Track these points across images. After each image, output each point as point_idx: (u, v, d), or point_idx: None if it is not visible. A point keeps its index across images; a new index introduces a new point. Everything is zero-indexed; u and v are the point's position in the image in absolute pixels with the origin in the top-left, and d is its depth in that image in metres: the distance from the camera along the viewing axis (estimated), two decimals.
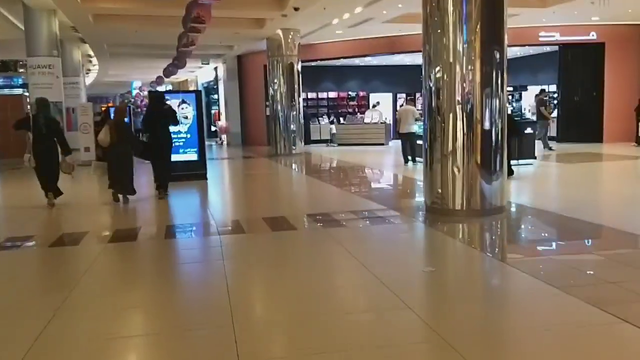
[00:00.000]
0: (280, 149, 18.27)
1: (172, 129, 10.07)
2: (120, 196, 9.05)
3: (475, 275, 5.03)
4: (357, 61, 22.71)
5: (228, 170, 15.60)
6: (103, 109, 21.76)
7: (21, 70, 23.51)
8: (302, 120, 18.90)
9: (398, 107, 23.00)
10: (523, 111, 20.51)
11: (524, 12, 14.60)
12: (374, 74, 24.20)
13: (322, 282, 4.71)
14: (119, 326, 3.85)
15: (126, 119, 11.00)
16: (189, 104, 11.77)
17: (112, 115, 11.01)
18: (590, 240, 6.09)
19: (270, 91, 18.65)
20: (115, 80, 34.35)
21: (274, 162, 16.58)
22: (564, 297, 4.00)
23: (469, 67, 6.87)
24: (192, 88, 32.91)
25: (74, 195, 10.12)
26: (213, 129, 29.50)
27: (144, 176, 10.06)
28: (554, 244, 6.17)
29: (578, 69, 18.55)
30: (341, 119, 22.54)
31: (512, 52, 15.47)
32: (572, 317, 3.71)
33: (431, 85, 7.18)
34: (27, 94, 18.00)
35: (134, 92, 38.71)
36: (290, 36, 17.84)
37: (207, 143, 16.13)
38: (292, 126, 18.26)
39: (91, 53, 22.05)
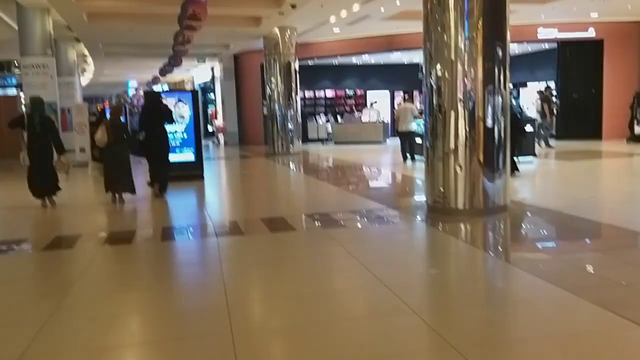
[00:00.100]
0: (278, 148, 18.14)
1: (168, 128, 9.97)
2: (117, 196, 8.94)
3: (481, 278, 4.89)
4: (354, 59, 22.59)
5: (225, 170, 15.45)
6: (99, 108, 21.64)
7: (17, 70, 23.30)
8: (299, 119, 18.77)
9: (396, 105, 22.90)
10: (523, 108, 20.38)
11: (523, 9, 14.47)
12: (372, 72, 24.07)
13: (323, 285, 4.57)
14: (114, 334, 3.70)
15: (122, 119, 10.86)
16: (185, 104, 11.62)
17: (107, 115, 10.91)
18: (596, 240, 5.97)
19: (268, 90, 18.50)
20: (111, 80, 34.16)
21: (271, 161, 16.44)
22: (575, 300, 3.86)
23: (471, 64, 6.72)
24: (188, 87, 32.71)
25: (70, 196, 9.94)
26: (210, 128, 29.35)
27: (140, 176, 9.89)
28: (559, 243, 6.01)
29: (576, 66, 18.45)
30: (339, 117, 22.40)
31: (510, 49, 15.31)
32: (585, 322, 3.58)
33: (432, 83, 7.04)
34: (21, 94, 17.81)
35: (130, 92, 38.49)
36: (287, 34, 17.70)
37: (203, 143, 15.99)
38: (289, 125, 18.11)
39: (86, 52, 21.86)
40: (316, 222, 6.95)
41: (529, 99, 19.68)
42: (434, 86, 7.01)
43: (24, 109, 16.12)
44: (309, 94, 23.90)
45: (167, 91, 24.77)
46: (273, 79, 18.20)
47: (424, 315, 3.72)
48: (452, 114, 6.84)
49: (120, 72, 29.48)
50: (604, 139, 17.69)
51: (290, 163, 15.77)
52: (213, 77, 27.07)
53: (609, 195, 8.77)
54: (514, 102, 10.74)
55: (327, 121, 22.30)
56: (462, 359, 3.03)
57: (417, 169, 12.50)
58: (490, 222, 6.72)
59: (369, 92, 24.15)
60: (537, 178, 10.54)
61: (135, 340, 3.68)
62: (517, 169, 10.31)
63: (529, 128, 12.35)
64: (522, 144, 10.90)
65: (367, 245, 5.89)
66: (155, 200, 9.34)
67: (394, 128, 15.58)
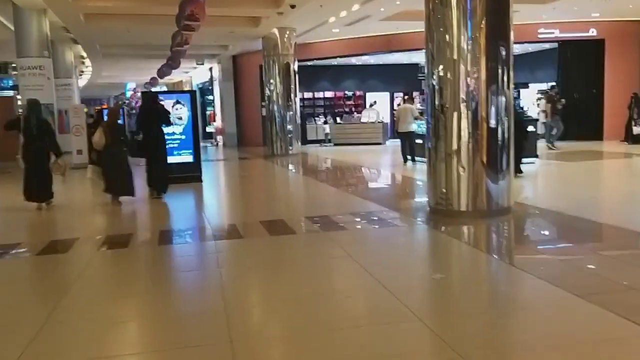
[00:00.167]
0: (277, 149, 18.00)
1: (166, 129, 9.87)
2: (116, 198, 8.85)
3: (487, 282, 4.75)
4: (353, 60, 22.46)
5: (224, 172, 15.32)
6: (96, 110, 21.48)
7: (14, 72, 23.15)
8: (298, 121, 18.64)
9: (395, 106, 22.78)
10: (523, 109, 20.26)
11: (524, 9, 14.34)
12: (371, 73, 23.93)
13: (325, 291, 4.43)
14: (109, 343, 3.56)
15: (120, 121, 10.77)
16: (183, 105, 11.48)
17: (105, 117, 10.80)
18: (602, 242, 5.84)
19: (267, 91, 18.38)
20: (109, 82, 34.00)
21: (270, 163, 16.32)
22: (584, 305, 3.74)
23: (474, 64, 6.62)
24: (187, 89, 32.57)
25: (66, 198, 9.84)
26: (208, 130, 29.21)
27: (137, 179, 9.75)
28: (565, 246, 5.82)
29: (577, 66, 18.34)
30: (338, 118, 22.28)
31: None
32: (596, 328, 3.45)
33: (434, 83, 6.93)
34: (18, 96, 17.67)
35: (128, 94, 38.34)
36: (286, 35, 17.58)
37: (202, 144, 15.86)
38: (288, 126, 17.98)
39: (84, 54, 21.73)
40: (316, 225, 6.80)
41: (530, 99, 19.59)
42: (436, 86, 6.90)
43: (20, 110, 16.01)
44: (308, 95, 23.75)
45: (165, 92, 24.59)
46: (272, 80, 18.08)
47: (427, 320, 3.60)
48: (455, 114, 6.73)
49: (118, 73, 29.34)
50: (605, 139, 17.58)
51: (290, 164, 15.63)
52: (211, 78, 26.94)
53: (612, 196, 8.65)
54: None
55: (325, 122, 22.16)
56: None
57: (418, 170, 12.38)
58: (493, 224, 6.59)
59: (368, 93, 24.01)
60: (540, 179, 10.40)
61: (131, 349, 3.55)
62: (521, 171, 10.20)
63: (530, 128, 12.24)
64: (524, 145, 10.76)
65: (368, 248, 5.77)
66: (153, 203, 9.21)
67: (394, 129, 15.43)
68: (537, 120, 14.72)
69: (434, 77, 6.93)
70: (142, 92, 12.42)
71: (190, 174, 11.24)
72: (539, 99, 18.01)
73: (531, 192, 9.16)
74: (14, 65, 20.79)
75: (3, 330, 3.81)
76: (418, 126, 13.77)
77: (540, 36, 17.88)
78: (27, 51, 14.87)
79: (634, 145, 15.84)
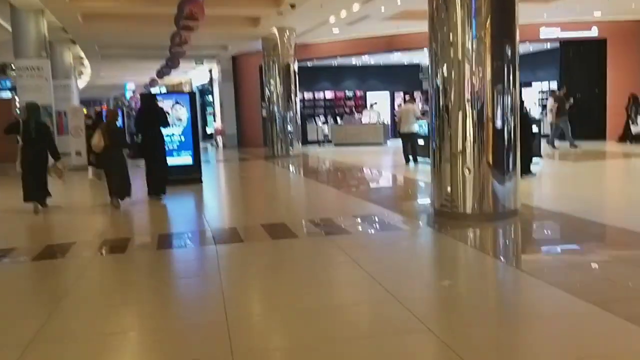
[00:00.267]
0: (277, 150, 17.87)
1: (165, 131, 9.76)
2: (113, 200, 8.75)
3: (498, 289, 4.58)
4: (353, 60, 22.34)
5: (224, 174, 15.18)
6: (96, 110, 21.33)
7: (13, 73, 23.00)
8: (299, 121, 18.50)
9: (396, 107, 22.65)
10: (527, 109, 20.16)
11: (525, 8, 14.11)
12: (371, 73, 23.81)
13: (330, 299, 4.28)
14: (103, 358, 3.42)
15: (119, 122, 10.69)
16: (182, 106, 11.33)
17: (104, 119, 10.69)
18: (615, 247, 5.63)
19: (267, 92, 18.24)
20: (109, 83, 33.85)
21: (271, 164, 16.17)
22: (604, 315, 3.58)
23: (479, 64, 6.47)
24: (186, 90, 32.43)
25: (64, 200, 9.72)
26: (208, 131, 29.10)
27: (136, 180, 9.64)
28: (577, 251, 5.58)
29: (579, 66, 18.20)
30: (338, 119, 22.14)
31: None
32: (619, 341, 3.28)
33: (439, 83, 6.78)
34: (17, 97, 17.53)
35: (128, 95, 38.21)
36: (286, 35, 17.43)
37: (202, 145, 15.73)
38: (289, 127, 17.84)
39: (82, 55, 21.58)
40: (319, 228, 6.65)
41: (532, 99, 19.47)
42: (441, 86, 6.75)
43: (18, 112, 15.86)
44: (308, 95, 23.63)
45: (164, 93, 24.47)
46: (272, 81, 17.94)
47: (437, 330, 3.44)
48: (460, 114, 6.59)
49: (117, 74, 29.20)
50: (608, 139, 17.45)
51: (290, 166, 15.49)
52: (211, 79, 26.81)
53: (622, 198, 8.48)
54: None
55: (324, 123, 22.02)
56: None
57: (420, 171, 12.25)
58: (501, 228, 6.44)
59: (368, 93, 23.89)
60: (546, 180, 10.21)
61: None
62: (531, 171, 10.11)
63: (534, 129, 12.09)
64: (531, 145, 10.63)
65: (373, 253, 5.60)
66: (152, 205, 9.08)
67: (396, 129, 15.29)
68: (540, 120, 14.59)
69: (438, 77, 6.79)
70: (141, 94, 12.27)
71: (190, 176, 11.10)
72: (544, 98, 17.91)
73: (537, 193, 8.99)
74: (12, 65, 20.66)
75: (5, 337, 3.67)
76: (420, 127, 13.65)
77: (542, 36, 17.72)
78: (24, 52, 14.73)
79: (636, 144, 15.73)
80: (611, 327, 3.45)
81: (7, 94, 22.97)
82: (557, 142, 15.55)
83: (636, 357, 3.08)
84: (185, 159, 11.37)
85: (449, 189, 6.78)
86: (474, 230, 6.36)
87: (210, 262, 5.43)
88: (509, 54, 6.57)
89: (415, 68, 22.83)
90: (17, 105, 16.54)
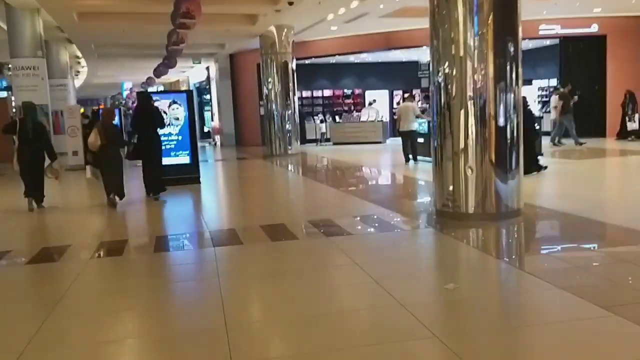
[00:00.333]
0: (276, 149, 17.74)
1: (162, 130, 9.66)
2: (110, 199, 8.72)
3: (505, 293, 4.44)
4: (352, 58, 22.17)
5: (222, 173, 15.05)
6: (94, 110, 21.20)
7: (9, 73, 22.83)
8: (297, 120, 18.38)
9: (395, 104, 22.53)
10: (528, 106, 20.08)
11: (525, 4, 13.95)
12: (370, 71, 23.66)
13: (332, 304, 4.16)
14: None
15: (116, 122, 10.59)
16: (180, 105, 11.19)
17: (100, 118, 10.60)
18: (623, 247, 5.44)
19: (265, 90, 18.11)
20: (105, 82, 33.69)
21: (269, 163, 16.05)
22: (617, 321, 3.46)
23: (481, 61, 6.36)
24: (183, 88, 32.27)
25: (61, 201, 9.63)
26: (205, 129, 28.96)
27: (134, 180, 9.52)
28: (586, 252, 5.43)
29: (579, 63, 18.09)
30: (337, 117, 22.01)
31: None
32: (634, 348, 3.17)
33: (440, 80, 6.66)
34: (13, 97, 17.37)
35: (125, 94, 38.04)
36: (284, 33, 17.31)
37: (199, 144, 15.60)
38: (287, 126, 17.72)
39: (79, 54, 21.42)
40: (319, 229, 6.53)
41: (530, 97, 19.32)
42: (442, 84, 6.64)
43: (14, 111, 15.74)
44: (306, 93, 23.48)
45: (160, 92, 24.32)
46: (270, 79, 17.81)
47: (451, 343, 3.31)
48: (462, 112, 6.47)
49: (114, 73, 29.04)
50: (608, 136, 17.36)
51: (289, 165, 15.37)
52: (209, 77, 26.66)
53: (625, 197, 8.35)
54: None
55: (322, 121, 21.89)
56: None
57: (420, 169, 12.14)
58: (504, 228, 6.33)
59: (367, 92, 23.75)
60: (548, 178, 10.06)
61: None
62: (539, 168, 10.10)
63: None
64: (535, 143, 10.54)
65: (375, 255, 5.48)
66: (149, 205, 8.97)
67: (395, 128, 15.17)
68: (541, 117, 14.49)
69: (440, 74, 6.67)
70: (137, 92, 12.15)
71: (188, 176, 10.97)
72: (544, 95, 17.82)
73: (540, 192, 8.87)
74: (8, 65, 20.52)
75: None
76: (419, 125, 13.53)
77: (541, 32, 17.62)
78: (20, 51, 14.60)
79: (633, 141, 15.67)
80: (624, 332, 3.33)
81: (3, 94, 22.77)
82: (562, 140, 15.45)
83: None
84: (183, 158, 11.25)
85: (450, 188, 6.67)
86: (477, 230, 6.25)
87: (209, 266, 5.31)
88: (512, 50, 6.46)
89: (414, 65, 22.65)
90: (13, 104, 16.41)
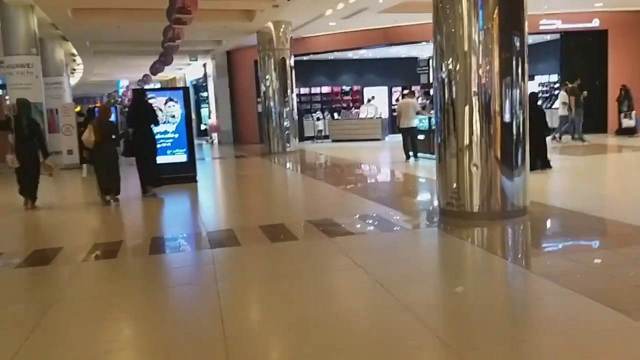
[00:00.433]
0: (274, 147, 17.53)
1: (157, 128, 9.50)
2: (109, 198, 8.63)
3: (516, 297, 4.22)
4: (350, 54, 21.96)
5: (220, 171, 14.84)
6: (89, 108, 20.96)
7: (2, 70, 22.57)
8: (295, 117, 18.17)
9: (394, 101, 22.34)
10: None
11: None
12: (368, 67, 23.44)
13: (335, 308, 3.98)
14: None
15: (112, 119, 10.46)
16: (176, 102, 10.98)
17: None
18: (636, 247, 5.30)
19: (262, 87, 17.89)
20: (101, 80, 33.45)
21: (267, 161, 15.85)
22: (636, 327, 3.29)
23: (486, 56, 6.19)
24: (180, 85, 32.04)
25: (55, 200, 9.45)
26: (202, 127, 28.73)
27: (129, 178, 9.32)
28: (597, 252, 5.26)
29: (580, 58, 17.90)
30: (335, 114, 21.81)
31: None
32: None
33: (444, 76, 6.49)
34: (7, 96, 17.14)
35: (121, 92, 37.80)
36: (281, 29, 17.08)
37: (196, 142, 15.39)
38: (285, 123, 17.51)
39: (74, 51, 21.17)
40: (320, 230, 6.33)
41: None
42: (446, 80, 6.46)
43: (9, 111, 15.50)
44: (304, 90, 23.25)
45: (156, 89, 24.12)
46: (268, 76, 17.58)
47: (464, 352, 3.13)
48: (467, 108, 6.29)
49: (110, 71, 28.80)
50: (609, 132, 17.19)
51: (288, 163, 15.17)
52: (205, 74, 26.43)
53: (634, 193, 8.13)
54: None
55: (318, 119, 21.68)
56: None
57: (421, 167, 11.98)
58: (510, 227, 6.16)
59: (366, 88, 23.53)
60: (555, 175, 9.83)
61: None
62: (550, 166, 9.97)
63: None
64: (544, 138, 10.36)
65: (378, 256, 5.29)
66: (145, 205, 8.81)
67: (395, 125, 14.97)
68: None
69: (443, 70, 6.50)
70: (133, 89, 11.95)
71: (185, 174, 10.76)
72: (545, 91, 17.67)
73: (546, 189, 8.67)
74: (1, 62, 20.29)
75: None
76: (420, 121, 13.35)
77: (542, 27, 17.43)
78: (14, 49, 14.36)
79: (633, 137, 15.54)
80: None
81: None
82: (562, 137, 15.29)
83: None
84: (180, 156, 11.04)
85: (454, 186, 6.50)
86: (483, 230, 6.08)
87: (206, 269, 5.12)
88: (518, 45, 6.30)
89: (413, 61, 22.45)
90: (7, 102, 16.17)
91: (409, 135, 13.25)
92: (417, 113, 13.40)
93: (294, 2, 13.31)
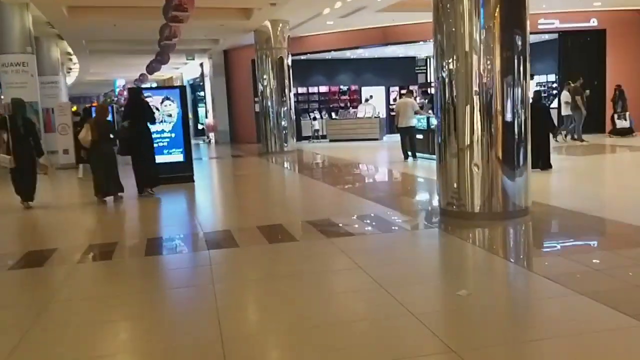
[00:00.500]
0: (271, 146, 17.46)
1: (154, 127, 9.41)
2: (106, 198, 8.63)
3: (521, 300, 4.13)
4: (348, 54, 21.89)
5: (217, 171, 14.74)
6: (85, 107, 20.82)
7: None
8: (293, 117, 18.08)
9: (391, 101, 22.27)
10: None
11: None
12: (366, 67, 23.35)
13: (335, 312, 3.89)
14: None
15: (110, 118, 10.39)
16: (172, 101, 10.88)
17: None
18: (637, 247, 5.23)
19: (260, 86, 17.80)
20: (98, 79, 33.28)
21: (265, 160, 15.76)
22: None
23: (488, 55, 6.11)
24: (177, 85, 31.91)
25: (51, 200, 9.35)
26: (199, 126, 28.62)
27: (125, 179, 9.22)
28: (600, 253, 5.15)
29: (578, 57, 17.85)
30: (333, 113, 21.72)
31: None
32: None
33: (444, 76, 6.41)
34: (2, 95, 17.02)
35: (117, 91, 37.66)
36: (279, 28, 17.00)
37: (193, 142, 15.29)
38: (283, 122, 17.42)
39: (70, 50, 21.03)
40: (318, 230, 6.24)
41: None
42: (447, 79, 6.38)
43: (3, 109, 15.36)
44: (302, 90, 23.17)
45: (153, 88, 23.99)
46: (265, 75, 17.50)
47: (458, 348, 3.06)
48: (467, 108, 6.21)
49: (106, 70, 28.65)
50: (607, 132, 17.14)
51: (285, 162, 15.07)
52: (202, 73, 26.32)
53: (636, 194, 8.07)
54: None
55: (314, 119, 21.59)
56: None
57: (419, 166, 11.91)
58: (512, 228, 6.08)
59: (363, 88, 23.45)
60: (556, 175, 9.76)
61: None
62: (550, 166, 9.92)
63: None
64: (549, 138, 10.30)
65: (378, 257, 5.19)
66: (141, 205, 8.71)
67: (393, 124, 14.91)
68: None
69: (444, 69, 6.42)
70: (129, 88, 11.86)
71: (181, 174, 10.66)
72: (542, 91, 17.57)
73: (548, 189, 8.59)
74: None
75: None
76: (418, 121, 13.27)
77: (540, 27, 17.37)
78: (9, 47, 14.21)
79: (628, 137, 15.51)
80: None
81: None
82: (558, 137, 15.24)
83: None
84: (176, 156, 10.94)
85: (455, 186, 6.42)
86: (484, 230, 6.00)
87: (203, 270, 5.02)
88: (520, 44, 6.23)
89: (412, 61, 22.42)
90: (2, 101, 16.04)
91: (408, 134, 13.18)
92: (416, 113, 13.32)
93: (292, 1, 13.23)
